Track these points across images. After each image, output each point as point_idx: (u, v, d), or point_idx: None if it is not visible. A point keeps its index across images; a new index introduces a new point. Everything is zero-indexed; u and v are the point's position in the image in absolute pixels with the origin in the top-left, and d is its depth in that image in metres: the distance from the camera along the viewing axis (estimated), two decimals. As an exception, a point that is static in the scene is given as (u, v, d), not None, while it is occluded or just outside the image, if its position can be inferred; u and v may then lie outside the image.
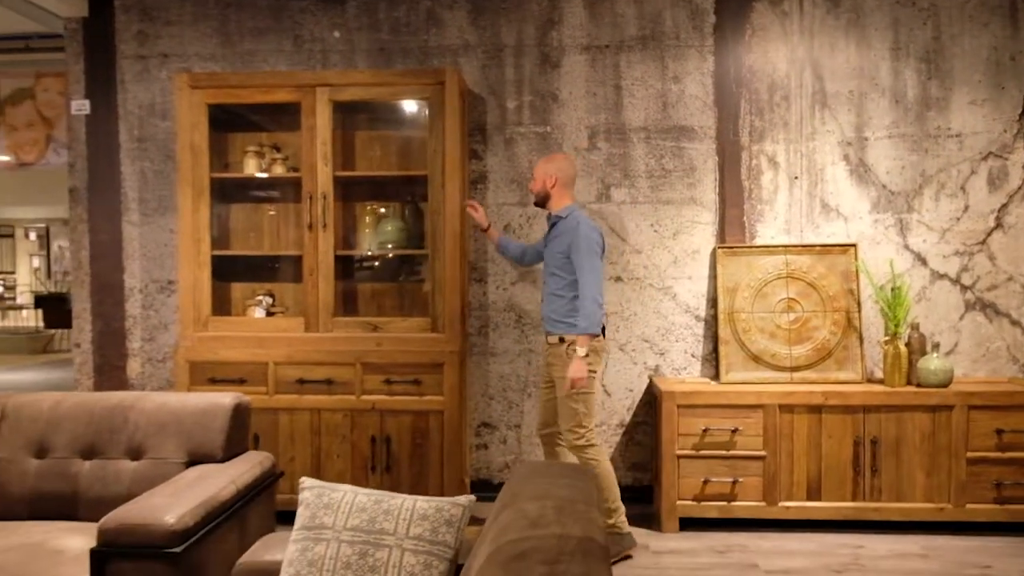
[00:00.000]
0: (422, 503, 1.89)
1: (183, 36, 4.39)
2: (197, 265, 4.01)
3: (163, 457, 2.84)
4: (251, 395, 3.62)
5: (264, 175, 4.17)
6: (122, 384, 4.44)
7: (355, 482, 3.90)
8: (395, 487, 3.88)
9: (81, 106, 4.42)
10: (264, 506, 2.94)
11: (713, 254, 4.25)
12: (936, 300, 4.19)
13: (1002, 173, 4.15)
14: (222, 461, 2.86)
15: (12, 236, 16.30)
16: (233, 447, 2.92)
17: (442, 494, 3.87)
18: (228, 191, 4.31)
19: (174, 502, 2.38)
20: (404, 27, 4.32)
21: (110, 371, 4.45)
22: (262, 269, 4.40)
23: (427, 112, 4.09)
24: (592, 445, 3.55)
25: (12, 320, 14.32)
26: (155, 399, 2.96)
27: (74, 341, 4.51)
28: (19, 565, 2.34)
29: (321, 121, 3.94)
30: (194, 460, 2.84)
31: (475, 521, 3.53)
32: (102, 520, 2.29)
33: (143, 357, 4.44)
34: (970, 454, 3.72)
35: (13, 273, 16.37)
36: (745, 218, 4.25)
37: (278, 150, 4.24)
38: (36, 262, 16.39)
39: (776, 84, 4.22)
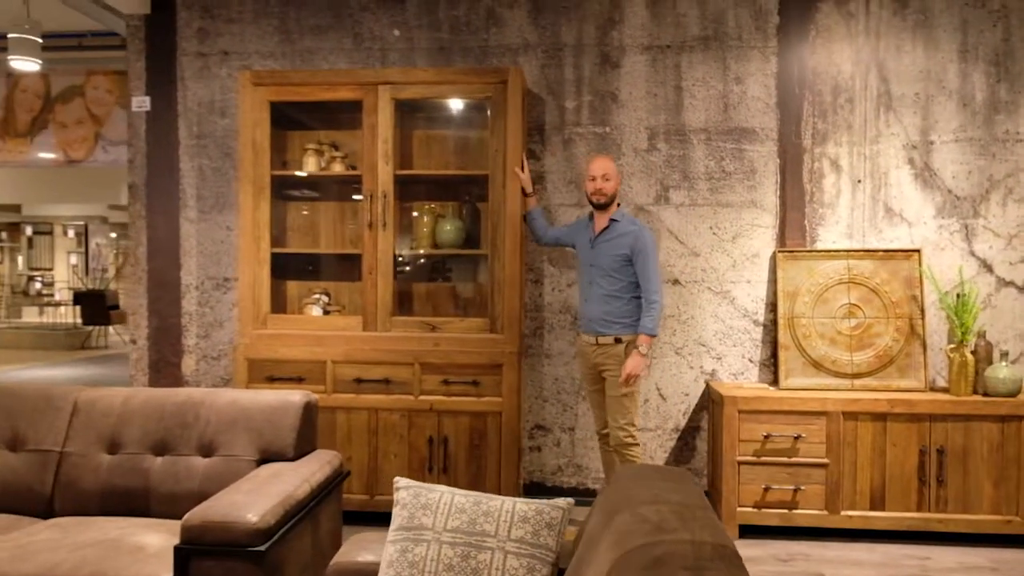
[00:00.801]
0: (521, 505, 1.87)
1: (243, 34, 4.40)
2: (257, 263, 4.02)
3: (234, 454, 2.84)
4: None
5: (324, 173, 4.17)
6: (177, 381, 4.46)
7: (412, 482, 3.89)
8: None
9: (142, 103, 4.45)
10: (333, 505, 2.94)
11: (773, 258, 4.19)
12: (1002, 308, 4.10)
13: (1073, 179, 4.06)
14: (293, 459, 2.86)
15: (51, 233, 16.52)
16: (303, 445, 2.92)
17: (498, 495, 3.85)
18: (286, 189, 4.32)
19: (255, 500, 2.38)
20: (464, 26, 4.30)
21: (165, 367, 4.48)
22: (318, 267, 4.41)
23: (485, 111, 4.08)
24: (638, 444, 3.66)
25: (50, 316, 14.49)
26: (225, 396, 2.97)
27: (130, 337, 4.54)
28: (101, 560, 2.34)
29: (383, 119, 3.93)
30: (265, 458, 2.84)
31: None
32: (185, 517, 2.28)
33: (198, 354, 4.47)
34: (1040, 466, 3.64)
35: (51, 270, 16.58)
36: (806, 222, 4.19)
37: (336, 148, 4.24)
38: (74, 259, 16.60)
39: (840, 86, 4.16)
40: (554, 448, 4.32)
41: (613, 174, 3.65)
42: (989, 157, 4.10)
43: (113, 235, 17.17)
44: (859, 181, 4.16)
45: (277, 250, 4.13)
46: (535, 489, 4.28)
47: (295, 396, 2.95)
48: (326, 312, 4.22)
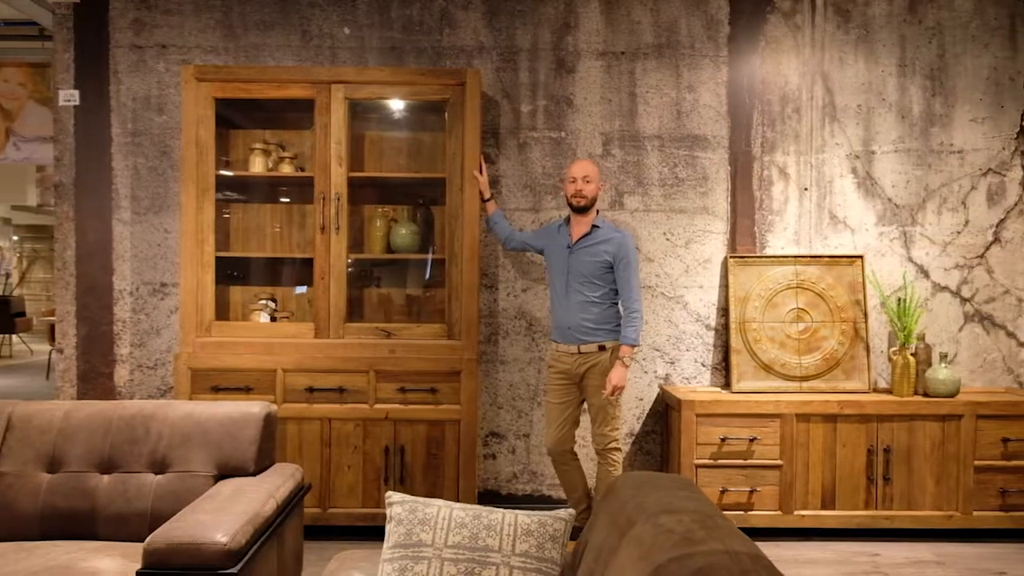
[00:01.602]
0: (523, 518, 1.81)
1: (183, 26, 4.19)
2: (200, 267, 3.82)
3: (191, 470, 2.68)
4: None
5: (272, 174, 4.00)
6: (108, 392, 4.20)
7: (367, 495, 3.78)
8: (409, 499, 3.76)
9: (70, 96, 4.18)
10: (296, 521, 2.81)
11: (724, 263, 4.26)
12: (937, 312, 4.28)
13: (1000, 189, 4.28)
14: (254, 474, 2.71)
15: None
16: (263, 459, 2.78)
17: (457, 506, 3.77)
18: (229, 190, 4.13)
19: (222, 519, 2.24)
20: (417, 26, 4.21)
21: (95, 378, 4.21)
22: (263, 272, 4.23)
23: (437, 113, 4.02)
24: (620, 449, 3.67)
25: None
26: (179, 408, 2.79)
27: (56, 346, 4.25)
28: (51, 590, 2.16)
29: (336, 119, 3.80)
30: (224, 473, 2.69)
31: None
32: (148, 540, 2.13)
33: (132, 363, 4.21)
34: (977, 462, 3.80)
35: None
36: (756, 228, 4.27)
37: (283, 148, 4.09)
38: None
39: (788, 96, 4.27)
40: (509, 455, 4.27)
41: (594, 176, 3.63)
42: (925, 168, 4.28)
43: (15, 238, 16.17)
44: (806, 189, 4.28)
45: (221, 254, 3.94)
46: (489, 497, 4.22)
47: (255, 407, 2.80)
48: (273, 319, 4.05)
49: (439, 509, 1.82)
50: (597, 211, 3.73)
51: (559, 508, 1.91)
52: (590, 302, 3.56)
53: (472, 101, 3.80)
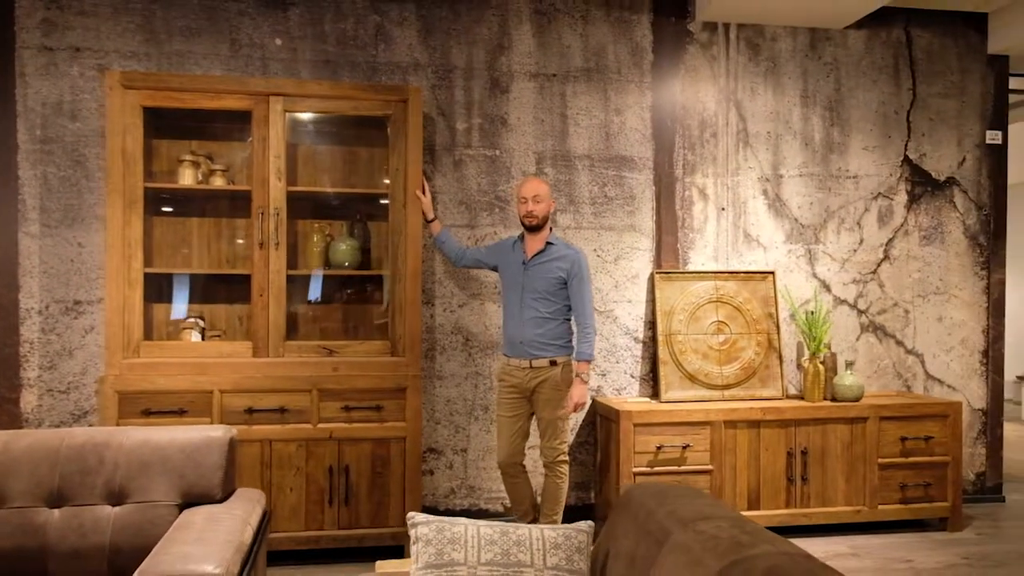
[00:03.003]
0: (548, 531, 1.86)
1: (99, 29, 3.96)
2: (127, 284, 3.62)
3: (152, 500, 2.54)
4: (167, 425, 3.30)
5: (203, 187, 3.85)
6: (14, 419, 3.87)
7: (310, 517, 3.69)
8: (355, 520, 3.71)
9: (-32, 99, 3.85)
10: (263, 548, 2.71)
11: (651, 279, 4.47)
12: (838, 323, 4.67)
13: (889, 211, 4.74)
14: (220, 501, 2.61)
15: None
16: (228, 485, 2.67)
17: (403, 525, 3.75)
18: (154, 203, 3.92)
19: (208, 550, 2.15)
20: (351, 40, 4.18)
21: (-2, 404, 3.88)
22: (190, 289, 4.04)
23: (374, 128, 4.03)
24: (567, 461, 3.79)
25: None
26: (134, 435, 2.64)
27: (-48, 370, 3.88)
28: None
29: (275, 133, 3.71)
30: (188, 502, 2.57)
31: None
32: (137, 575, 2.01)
33: (41, 388, 3.91)
34: (881, 460, 4.18)
35: None
36: (679, 245, 4.51)
37: (211, 160, 3.94)
38: None
39: (706, 121, 4.55)
40: (447, 471, 4.28)
41: (544, 196, 3.71)
42: (826, 191, 4.67)
43: None
44: (723, 209, 4.56)
45: (148, 270, 3.74)
46: (428, 513, 4.20)
47: (217, 431, 2.69)
48: (202, 338, 3.88)
49: (466, 528, 1.84)
50: (551, 228, 3.83)
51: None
52: (543, 318, 3.64)
53: (414, 118, 3.81)
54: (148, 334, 3.84)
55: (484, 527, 1.85)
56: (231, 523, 2.40)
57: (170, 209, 4.00)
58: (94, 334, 3.95)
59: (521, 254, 3.76)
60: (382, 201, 4.06)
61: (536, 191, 3.71)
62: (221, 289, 4.06)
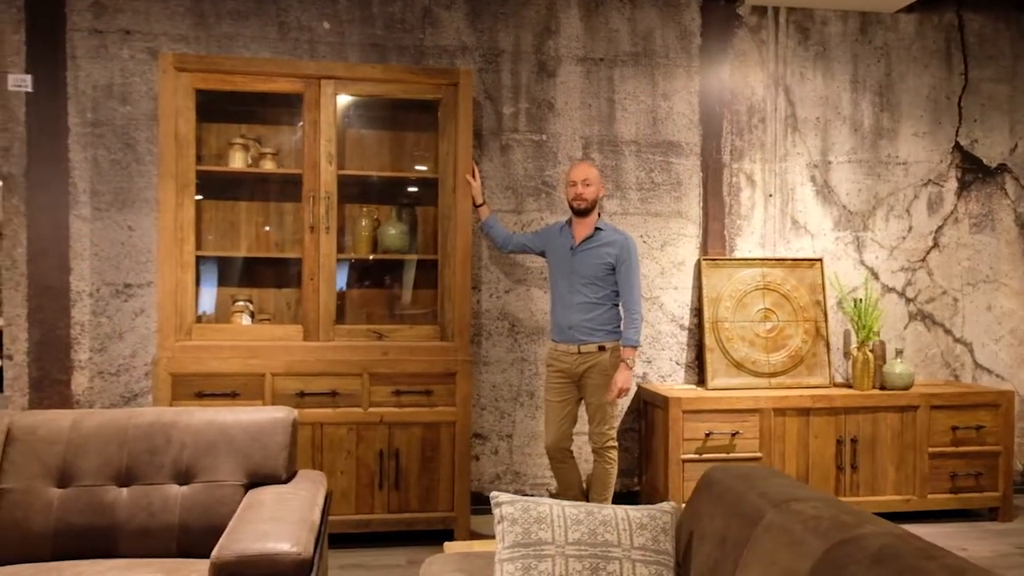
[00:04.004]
0: (633, 512, 1.85)
1: (149, 12, 3.96)
2: (180, 267, 3.63)
3: (219, 480, 2.55)
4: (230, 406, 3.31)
5: (253, 170, 3.85)
6: (65, 400, 3.90)
7: (361, 501, 3.70)
8: (404, 504, 3.71)
9: (20, 81, 3.86)
10: (326, 528, 2.72)
11: (697, 265, 4.43)
12: (885, 311, 4.61)
13: (938, 199, 4.67)
14: (285, 482, 2.61)
15: None
16: (292, 466, 2.68)
17: (452, 510, 3.75)
18: (205, 186, 3.93)
19: (283, 528, 2.16)
20: (399, 23, 4.16)
21: (50, 386, 3.90)
22: (239, 273, 4.05)
23: (424, 112, 4.01)
24: (616, 447, 3.76)
25: None
26: (200, 415, 2.65)
27: (5, 352, 3.91)
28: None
29: (325, 116, 3.70)
30: (255, 482, 2.58)
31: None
32: (216, 553, 2.02)
33: (92, 370, 3.94)
34: (931, 449, 4.13)
35: None
36: (726, 232, 4.47)
37: (260, 144, 3.94)
38: None
39: (754, 107, 4.49)
40: (492, 456, 4.27)
41: (594, 179, 3.68)
42: (875, 177, 4.61)
43: None
44: (770, 195, 4.51)
45: (198, 253, 3.75)
46: (473, 499, 4.19)
47: (281, 412, 2.70)
48: (252, 321, 3.89)
49: (551, 507, 1.82)
50: (599, 213, 3.79)
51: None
52: (592, 303, 3.62)
53: (465, 102, 3.79)
54: (198, 317, 3.86)
55: (568, 507, 1.83)
56: (299, 503, 2.41)
57: (218, 192, 4.00)
58: (144, 317, 3.97)
59: (569, 239, 3.73)
60: (429, 186, 4.04)
61: (586, 175, 3.68)
62: (269, 273, 4.06)
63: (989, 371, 4.72)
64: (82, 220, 3.93)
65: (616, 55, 4.36)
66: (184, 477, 2.55)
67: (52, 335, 3.91)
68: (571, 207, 3.72)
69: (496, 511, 1.83)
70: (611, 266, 3.62)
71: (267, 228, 4.04)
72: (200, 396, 3.56)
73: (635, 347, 3.61)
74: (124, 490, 2.51)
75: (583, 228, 3.69)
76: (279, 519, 2.23)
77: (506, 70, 4.26)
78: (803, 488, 1.76)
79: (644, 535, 1.79)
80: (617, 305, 3.69)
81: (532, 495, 4.22)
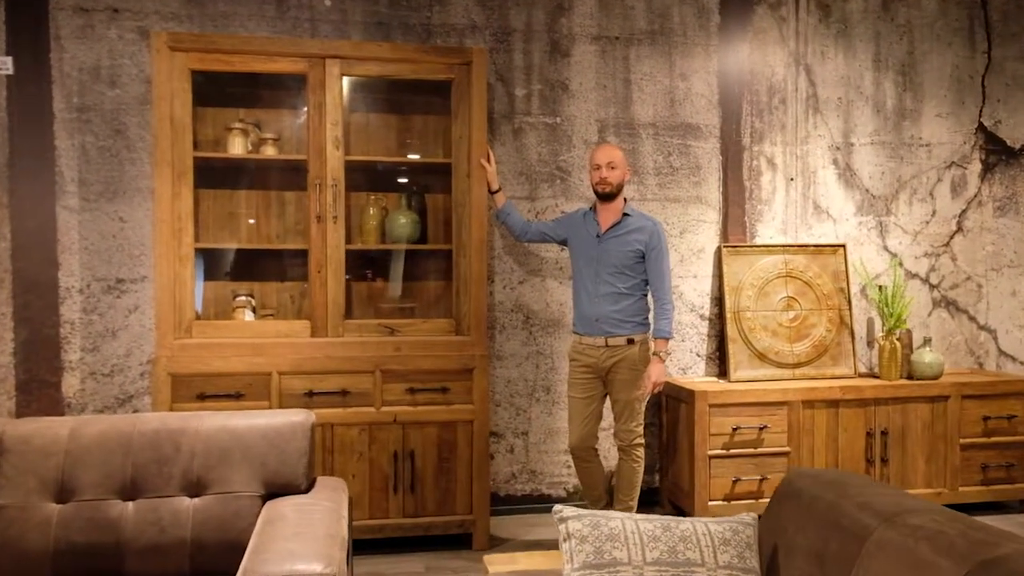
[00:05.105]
0: (714, 526, 1.67)
1: (139, -11, 3.71)
2: (178, 260, 3.40)
3: (234, 491, 2.34)
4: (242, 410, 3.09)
5: (254, 157, 3.62)
6: (55, 404, 3.67)
7: (375, 505, 3.50)
8: (420, 508, 3.52)
9: (1, 63, 3.60)
10: (351, 541, 2.52)
11: (717, 253, 4.26)
12: (907, 298, 4.46)
13: (962, 181, 4.52)
14: (305, 492, 2.41)
15: None
16: (311, 474, 2.47)
17: (470, 512, 3.56)
18: (202, 174, 3.69)
19: (312, 546, 1.95)
20: (404, 1, 3.93)
21: (39, 388, 3.66)
22: (239, 266, 3.82)
23: (433, 94, 3.81)
24: (643, 444, 3.59)
25: None
26: (211, 420, 2.44)
27: (-10, 353, 3.66)
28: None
29: (331, 98, 3.48)
30: (272, 492, 2.37)
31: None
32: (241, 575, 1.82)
33: (84, 371, 3.70)
34: (962, 440, 3.99)
35: None
36: (746, 218, 4.30)
37: (259, 128, 3.71)
38: None
39: (774, 87, 4.32)
40: (507, 455, 4.08)
41: (619, 162, 3.48)
42: (898, 160, 4.45)
43: None
44: (792, 179, 4.34)
45: (198, 246, 3.52)
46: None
47: (298, 416, 2.49)
48: (254, 316, 3.66)
49: (623, 522, 1.64)
50: (625, 199, 3.59)
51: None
52: (620, 294, 3.43)
53: (479, 82, 3.58)
54: (198, 313, 3.63)
55: (642, 521, 1.65)
56: (325, 516, 2.21)
57: (215, 181, 3.76)
58: (138, 314, 3.73)
59: (595, 226, 3.53)
60: (439, 172, 3.82)
61: (610, 157, 3.48)
62: (271, 265, 3.84)
63: (1013, 358, 4.59)
64: (70, 211, 3.68)
65: (632, 33, 4.16)
66: (196, 488, 2.33)
67: (40, 334, 3.66)
68: (595, 192, 3.52)
69: (561, 527, 1.64)
70: (640, 254, 3.43)
71: (260, 218, 3.81)
72: (202, 398, 3.34)
73: (668, 339, 3.43)
74: (130, 504, 2.29)
75: (609, 214, 3.49)
76: (305, 535, 2.03)
77: (518, 50, 4.05)
78: (907, 497, 1.59)
79: (728, 551, 1.61)
80: (646, 295, 3.50)
81: (549, 495, 4.06)
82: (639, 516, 1.67)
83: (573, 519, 1.64)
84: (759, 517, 1.81)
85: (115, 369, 3.72)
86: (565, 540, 1.63)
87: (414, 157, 3.89)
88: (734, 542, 1.63)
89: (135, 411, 3.73)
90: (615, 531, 1.61)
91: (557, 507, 1.67)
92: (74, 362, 3.70)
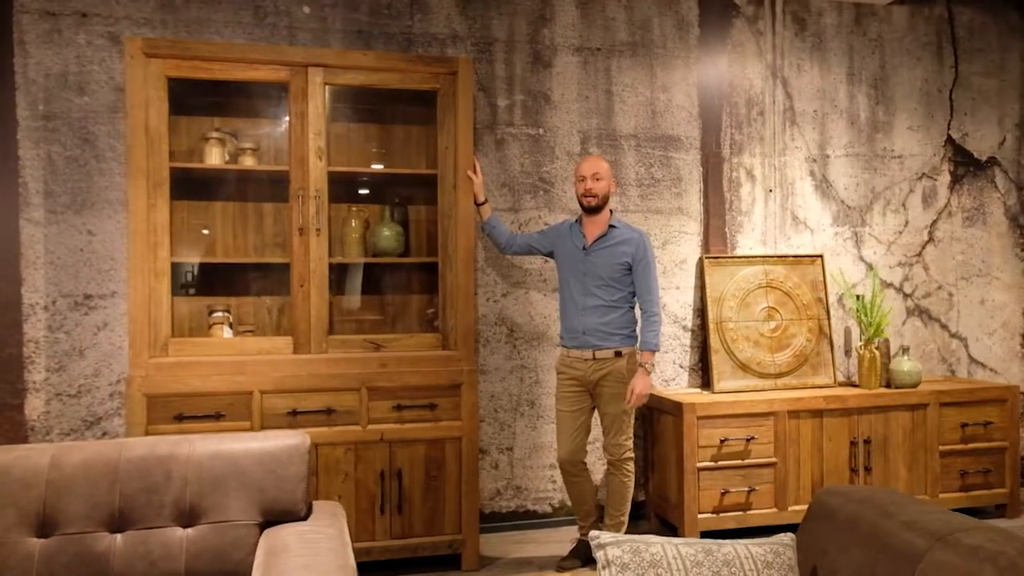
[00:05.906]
0: (755, 548, 1.63)
1: (108, -7, 3.56)
2: (153, 275, 3.25)
3: (229, 519, 2.22)
4: (233, 432, 2.96)
5: (232, 167, 3.50)
6: (18, 428, 3.47)
7: (361, 527, 3.38)
8: (408, 529, 3.42)
9: (-41, 70, 3.41)
10: (349, 567, 2.42)
11: (699, 264, 4.26)
12: (884, 307, 4.53)
13: (933, 192, 4.62)
14: (304, 518, 2.31)
15: None
16: (309, 499, 2.37)
17: (460, 532, 3.48)
18: (177, 185, 3.54)
19: (324, 578, 1.85)
20: (385, 9, 3.85)
21: (0, 411, 3.46)
22: (216, 280, 3.68)
23: (415, 104, 3.74)
24: (633, 458, 3.55)
25: None
26: (203, 445, 2.31)
27: (-53, 374, 3.45)
28: None
29: (313, 107, 3.38)
30: (270, 520, 2.26)
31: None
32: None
33: (49, 392, 3.51)
34: (941, 447, 4.05)
35: None
36: (727, 229, 4.31)
37: (236, 138, 3.59)
38: None
39: (753, 99, 4.35)
40: (492, 471, 4.01)
41: (605, 174, 3.44)
42: (872, 171, 4.52)
43: None
44: (770, 190, 4.38)
45: (174, 260, 3.38)
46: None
47: (295, 438, 2.38)
48: (233, 333, 3.53)
49: (663, 547, 1.59)
50: (611, 210, 3.56)
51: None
52: (608, 306, 3.39)
53: (465, 92, 3.52)
54: (173, 330, 3.48)
55: (682, 545, 1.60)
56: (329, 544, 2.11)
57: (190, 193, 3.62)
58: (107, 331, 3.56)
59: (580, 238, 3.49)
60: (423, 183, 3.75)
61: (596, 168, 3.45)
62: (249, 280, 3.71)
63: (983, 365, 4.70)
64: (34, 224, 3.50)
65: (613, 45, 4.15)
66: (188, 518, 2.21)
67: (2, 354, 3.47)
68: (581, 204, 3.48)
69: (599, 554, 1.58)
70: (627, 266, 3.40)
71: (237, 231, 3.68)
72: (180, 419, 3.19)
73: (654, 351, 3.40)
74: (118, 536, 2.16)
75: (595, 227, 3.46)
76: (314, 567, 1.93)
77: (500, 60, 4.00)
78: (951, 514, 1.56)
79: (771, 574, 1.57)
80: (633, 308, 3.48)
81: (535, 510, 4.00)
82: (678, 540, 1.62)
83: (611, 545, 1.58)
84: (797, 537, 1.78)
85: (82, 390, 3.54)
86: (604, 567, 1.56)
87: (398, 169, 3.79)
88: (776, 565, 1.59)
89: (104, 434, 3.56)
90: (657, 557, 1.56)
91: (594, 533, 1.61)
92: (38, 383, 3.51)
